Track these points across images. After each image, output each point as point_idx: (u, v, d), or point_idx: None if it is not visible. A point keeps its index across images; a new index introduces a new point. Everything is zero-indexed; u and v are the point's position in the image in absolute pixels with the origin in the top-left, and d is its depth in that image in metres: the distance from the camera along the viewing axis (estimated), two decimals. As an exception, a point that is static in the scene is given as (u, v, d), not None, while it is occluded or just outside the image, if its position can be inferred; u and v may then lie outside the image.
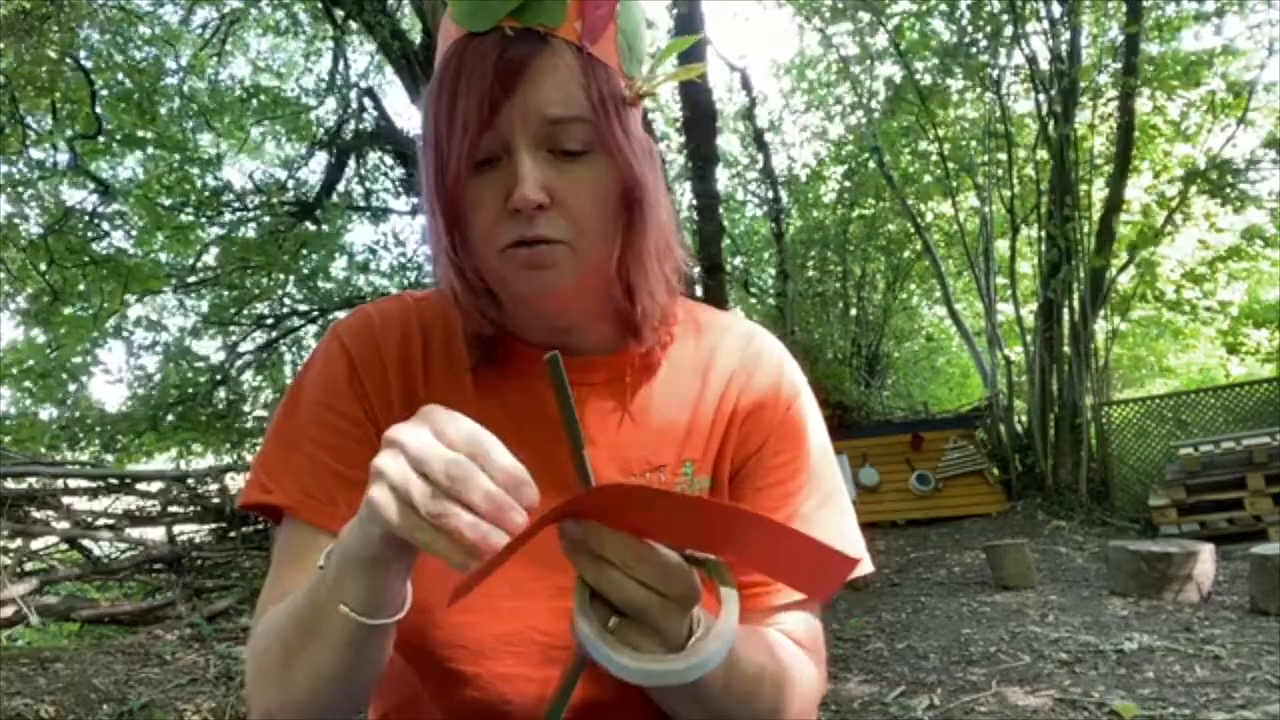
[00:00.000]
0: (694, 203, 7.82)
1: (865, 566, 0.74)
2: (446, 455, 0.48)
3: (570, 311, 0.70)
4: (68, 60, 8.31)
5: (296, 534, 0.69)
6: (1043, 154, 8.70)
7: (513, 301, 0.69)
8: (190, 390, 10.15)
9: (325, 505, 0.68)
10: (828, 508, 0.74)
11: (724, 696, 0.61)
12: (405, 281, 10.82)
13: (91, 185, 10.46)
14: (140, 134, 10.40)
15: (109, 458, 9.89)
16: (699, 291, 8.26)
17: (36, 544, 5.30)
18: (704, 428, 0.73)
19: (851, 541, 0.75)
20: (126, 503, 5.71)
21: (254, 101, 11.27)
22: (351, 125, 10.75)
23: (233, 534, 5.98)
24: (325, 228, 10.85)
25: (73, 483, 5.62)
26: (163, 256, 11.72)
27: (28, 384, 10.47)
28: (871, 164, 11.10)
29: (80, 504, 5.55)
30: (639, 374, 0.74)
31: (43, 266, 9.77)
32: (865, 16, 9.91)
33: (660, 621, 0.52)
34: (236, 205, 11.00)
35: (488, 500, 0.47)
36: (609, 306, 0.71)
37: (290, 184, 11.47)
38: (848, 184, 12.54)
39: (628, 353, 0.72)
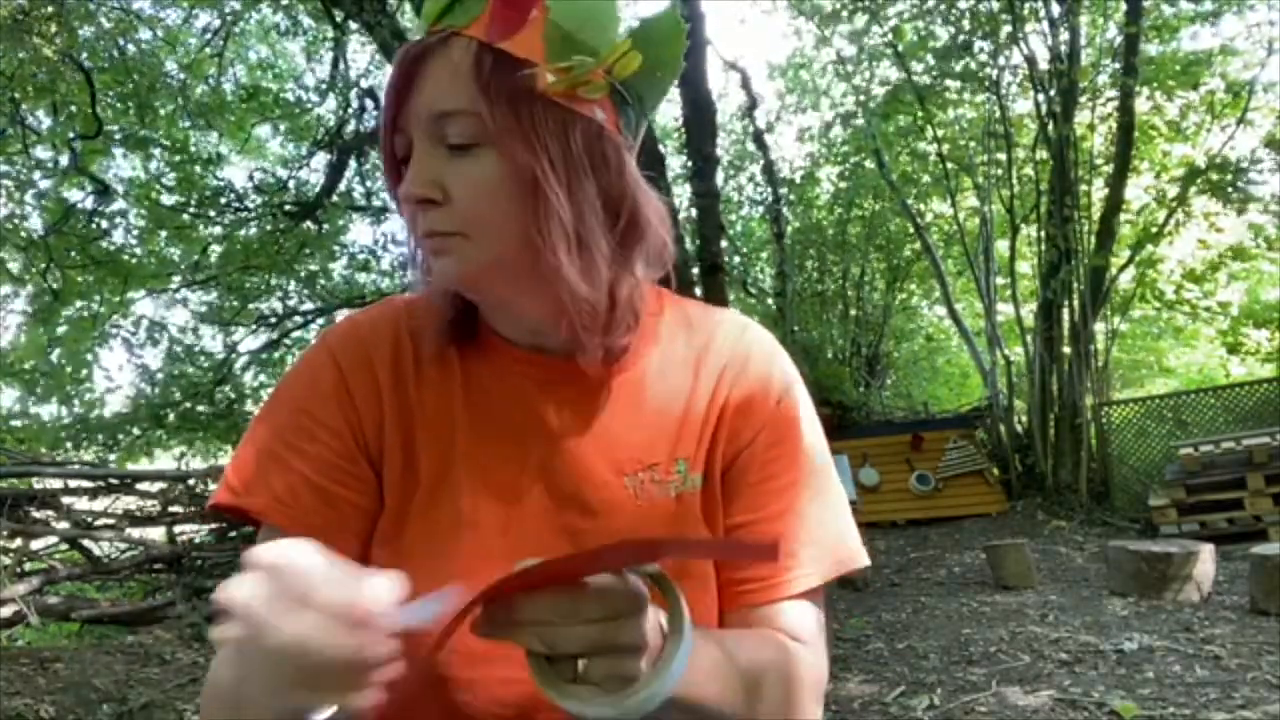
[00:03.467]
0: (693, 201, 7.82)
1: (861, 560, 0.74)
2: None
3: (520, 304, 0.69)
4: (68, 60, 8.31)
5: (269, 539, 0.68)
6: (1042, 154, 8.70)
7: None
8: (192, 389, 10.16)
9: (294, 511, 0.67)
10: (821, 502, 0.74)
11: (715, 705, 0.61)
12: (405, 281, 10.82)
13: (91, 185, 10.46)
14: (141, 134, 10.40)
15: (111, 458, 9.90)
16: (699, 291, 8.27)
17: (36, 544, 5.30)
18: (696, 423, 0.73)
19: (844, 535, 0.74)
20: (126, 503, 5.71)
21: (254, 102, 11.28)
22: (351, 125, 10.75)
23: (233, 534, 5.97)
24: (326, 228, 10.86)
25: (73, 483, 5.62)
26: (164, 256, 11.73)
27: (29, 384, 10.48)
28: (869, 164, 11.10)
29: (80, 504, 5.55)
30: (625, 372, 0.73)
31: (43, 266, 9.77)
32: (862, 19, 9.93)
33: (622, 639, 0.51)
34: (237, 205, 11.01)
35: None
36: (559, 303, 0.67)
37: (290, 184, 11.48)
38: (843, 184, 12.55)
39: (610, 352, 0.71)
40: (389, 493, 0.71)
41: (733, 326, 0.78)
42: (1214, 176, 7.94)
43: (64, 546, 5.49)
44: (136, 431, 10.03)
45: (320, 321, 10.82)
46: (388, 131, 0.67)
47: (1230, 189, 7.96)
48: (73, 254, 10.04)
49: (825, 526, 0.73)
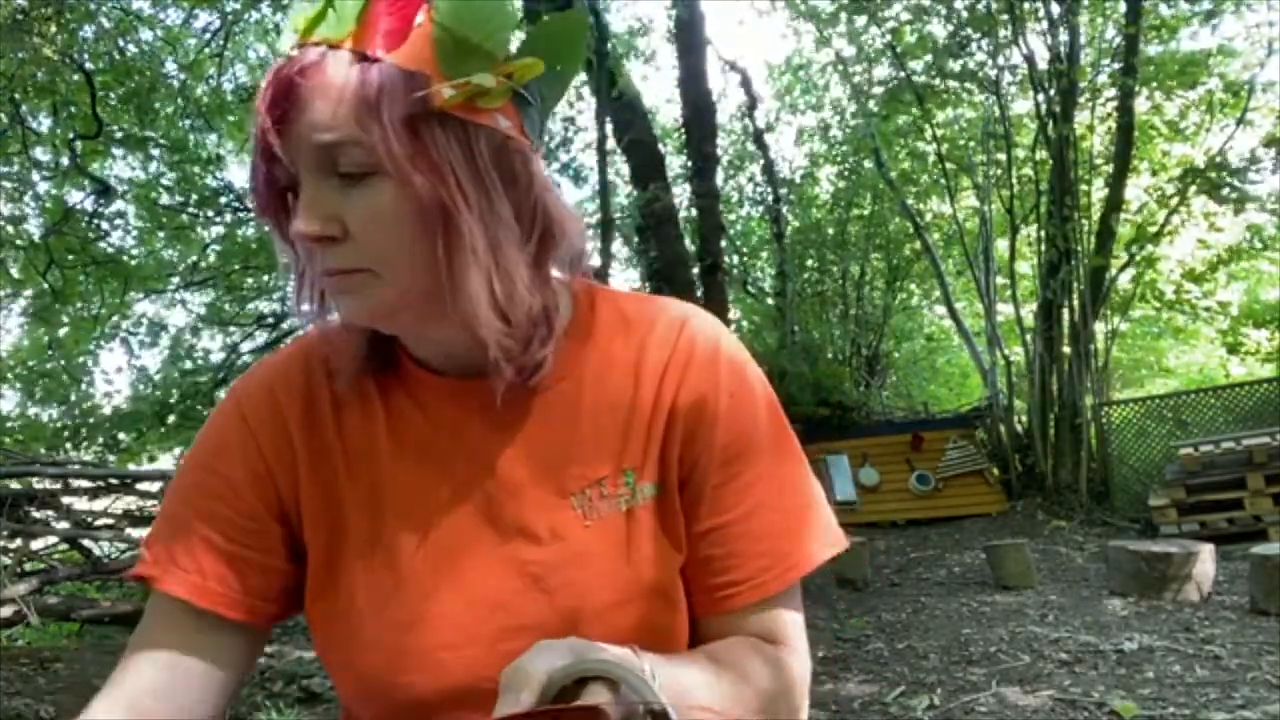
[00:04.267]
0: (693, 201, 7.82)
1: (839, 544, 0.71)
2: None
3: (434, 333, 0.65)
4: (68, 60, 8.31)
5: (153, 605, 0.67)
6: (1042, 154, 8.70)
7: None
8: (192, 389, 10.16)
9: (181, 571, 0.66)
10: (790, 493, 0.70)
11: None
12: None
13: (91, 185, 10.46)
14: (141, 135, 10.40)
15: (111, 458, 9.90)
16: (698, 292, 8.27)
17: (36, 544, 5.29)
18: (641, 430, 0.68)
19: (820, 524, 0.71)
20: (126, 503, 5.70)
21: (254, 102, 11.25)
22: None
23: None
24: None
25: (73, 483, 5.62)
26: (164, 255, 11.74)
27: (28, 384, 10.48)
28: (868, 164, 11.10)
29: (80, 504, 5.55)
30: (571, 388, 0.68)
31: (44, 267, 9.77)
32: (861, 20, 9.93)
33: None
34: (237, 205, 11.01)
35: None
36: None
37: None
38: (842, 184, 12.55)
39: (525, 370, 0.66)
40: (313, 546, 0.68)
41: (672, 320, 0.71)
42: (1212, 176, 7.94)
43: (64, 546, 5.48)
44: (137, 432, 10.03)
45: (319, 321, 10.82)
46: (263, 158, 0.59)
47: (1227, 189, 7.96)
48: (71, 256, 10.03)
49: (802, 517, 0.70)
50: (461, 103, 0.58)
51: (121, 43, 9.30)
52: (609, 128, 8.31)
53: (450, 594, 0.65)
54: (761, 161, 12.88)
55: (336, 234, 0.58)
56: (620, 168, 10.24)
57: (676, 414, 0.68)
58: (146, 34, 9.86)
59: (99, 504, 5.59)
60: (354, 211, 0.58)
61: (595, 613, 0.64)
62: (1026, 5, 8.24)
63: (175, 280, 11.05)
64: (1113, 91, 8.42)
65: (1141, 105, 8.82)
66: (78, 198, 10.51)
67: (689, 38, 8.85)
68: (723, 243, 9.63)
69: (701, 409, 0.68)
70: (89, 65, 8.83)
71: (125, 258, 10.81)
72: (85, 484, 5.66)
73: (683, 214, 9.20)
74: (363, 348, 0.68)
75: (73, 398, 10.52)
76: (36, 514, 5.25)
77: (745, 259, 14.50)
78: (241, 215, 10.92)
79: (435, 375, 0.69)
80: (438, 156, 0.58)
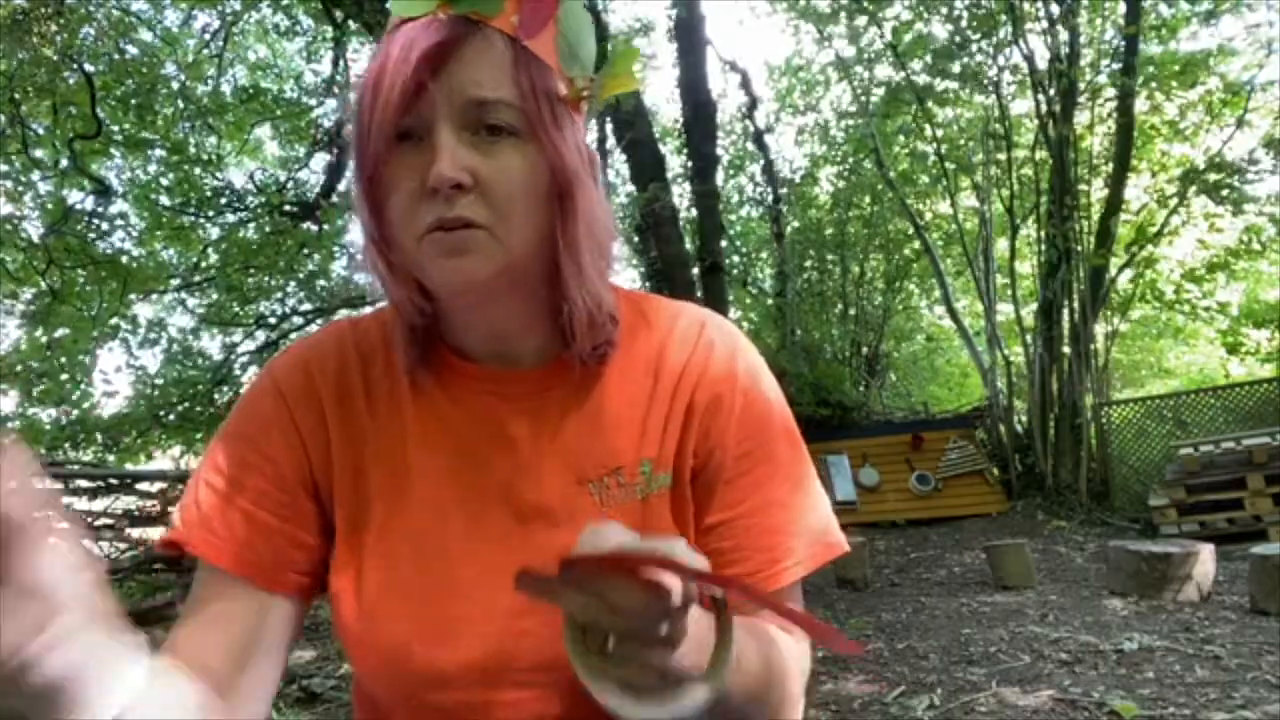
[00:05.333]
0: (693, 201, 7.82)
1: (843, 547, 0.74)
2: None
3: (499, 312, 0.68)
4: (68, 60, 8.31)
5: (201, 576, 0.68)
6: (1042, 154, 8.70)
7: (436, 293, 0.66)
8: (191, 390, 10.15)
9: (219, 540, 0.66)
10: (802, 491, 0.73)
11: (727, 703, 0.60)
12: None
13: (90, 186, 10.46)
14: (141, 135, 10.40)
15: (110, 458, 9.88)
16: (698, 292, 8.26)
17: (36, 544, 5.29)
18: (659, 424, 0.71)
19: (826, 523, 0.74)
20: (126, 503, 5.70)
21: (254, 103, 11.27)
22: (351, 125, 10.72)
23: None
24: (325, 228, 10.86)
25: (73, 483, 5.62)
26: (164, 256, 11.73)
27: (29, 384, 10.46)
28: (868, 164, 11.10)
29: (80, 504, 5.55)
30: (586, 377, 0.71)
31: (43, 267, 9.77)
32: (861, 20, 9.93)
33: (658, 632, 0.49)
34: (237, 205, 11.00)
35: None
36: (541, 309, 0.69)
37: (290, 184, 11.47)
38: (842, 184, 12.55)
39: (569, 359, 0.70)
40: (340, 522, 0.70)
41: (691, 322, 0.75)
42: (1211, 177, 7.95)
43: (64, 547, 5.47)
44: (136, 433, 10.02)
45: (319, 321, 10.81)
46: (397, 109, 0.61)
47: (1225, 190, 7.96)
48: (68, 257, 10.02)
49: (808, 516, 0.72)
50: (572, 99, 0.66)
51: (121, 43, 9.30)
52: (609, 127, 8.31)
53: (471, 571, 0.67)
54: (761, 161, 12.88)
55: (468, 183, 0.61)
56: (620, 168, 10.25)
57: (694, 410, 0.71)
58: (146, 35, 9.86)
59: (99, 504, 5.59)
60: (490, 166, 0.61)
61: None
62: (1026, 5, 8.25)
63: (175, 281, 11.03)
64: (1112, 91, 8.42)
65: (1141, 105, 8.83)
66: (77, 198, 10.52)
67: (689, 38, 8.85)
68: (723, 243, 9.63)
69: (718, 406, 0.71)
70: (89, 66, 8.83)
71: (124, 258, 10.81)
72: (85, 484, 5.66)
73: (683, 214, 9.20)
74: (405, 335, 0.70)
75: (74, 396, 10.51)
76: (36, 514, 5.24)
77: (745, 259, 14.51)
78: (242, 216, 10.92)
79: (467, 362, 0.71)
80: (564, 136, 0.64)
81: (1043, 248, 8.57)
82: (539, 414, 0.70)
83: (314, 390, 0.71)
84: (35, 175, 10.02)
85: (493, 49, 0.61)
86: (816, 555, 0.71)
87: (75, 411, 10.29)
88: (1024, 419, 8.95)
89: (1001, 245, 9.64)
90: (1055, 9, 8.17)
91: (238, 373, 10.95)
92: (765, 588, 0.69)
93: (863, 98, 10.89)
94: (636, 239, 8.58)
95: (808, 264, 13.12)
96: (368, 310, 0.79)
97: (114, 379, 12.28)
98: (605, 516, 0.68)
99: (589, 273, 0.66)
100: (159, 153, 11.04)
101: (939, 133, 10.04)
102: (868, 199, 12.50)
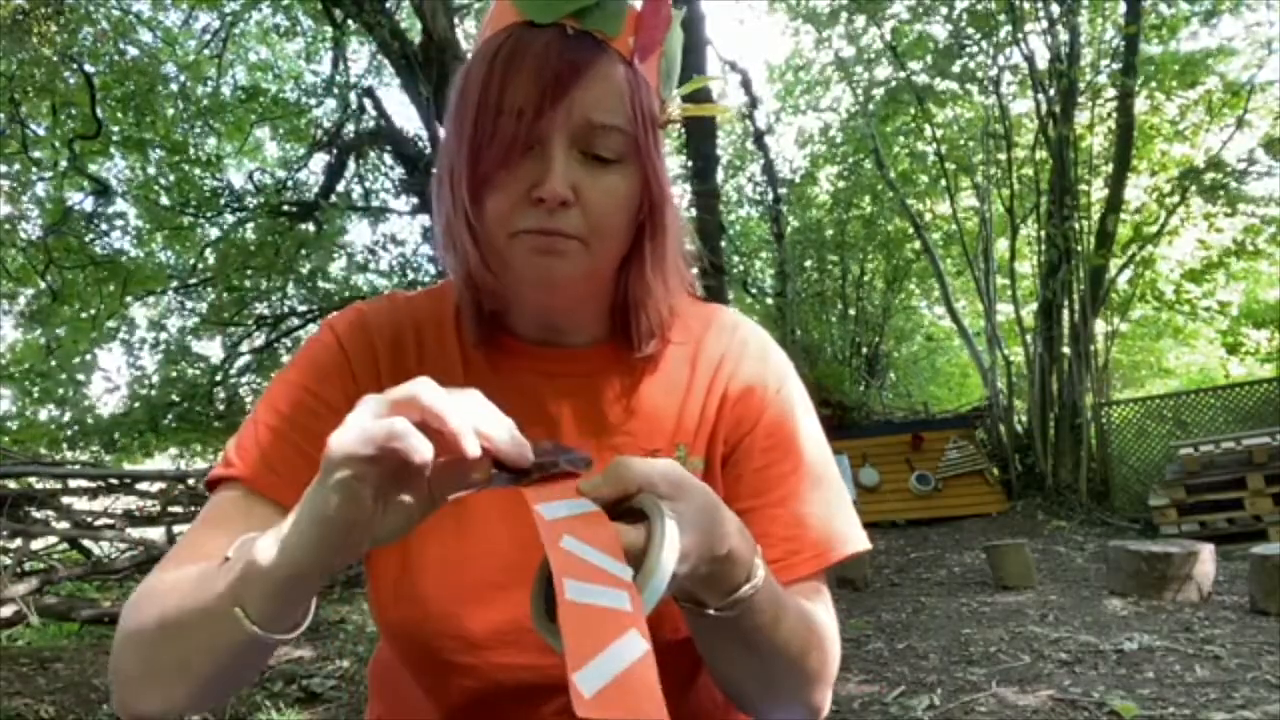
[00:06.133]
0: (692, 201, 7.81)
1: (864, 544, 0.76)
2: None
3: (572, 309, 0.73)
4: (68, 60, 8.31)
5: (233, 498, 0.67)
6: (1042, 154, 8.70)
7: (516, 285, 0.69)
8: (190, 390, 10.15)
9: (276, 477, 0.66)
10: (824, 487, 0.76)
11: (773, 638, 0.63)
12: (404, 281, 10.83)
13: (90, 186, 10.46)
14: (140, 135, 10.40)
15: (108, 458, 9.88)
16: (699, 292, 8.23)
17: (36, 544, 5.29)
18: (694, 413, 0.75)
19: (846, 520, 0.76)
20: (126, 503, 5.70)
21: (254, 103, 11.27)
22: (351, 125, 10.74)
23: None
24: (325, 228, 10.86)
25: (73, 483, 5.62)
26: (162, 257, 11.73)
27: (28, 384, 10.47)
28: (868, 164, 11.10)
29: (80, 504, 5.54)
30: (628, 365, 0.75)
31: (42, 267, 9.77)
32: (861, 19, 9.93)
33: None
34: (236, 206, 11.00)
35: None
36: (604, 306, 0.74)
37: (290, 184, 11.47)
38: (842, 184, 12.54)
39: (616, 347, 0.75)
40: None
41: (725, 322, 0.80)
42: (1210, 177, 7.94)
43: (64, 546, 5.48)
44: (135, 434, 10.02)
45: (319, 322, 10.79)
46: (531, 118, 0.63)
47: (1224, 190, 7.96)
48: (68, 258, 10.02)
49: (830, 511, 0.75)
50: (664, 122, 0.70)
51: (121, 44, 9.30)
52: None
53: (505, 537, 0.69)
54: (761, 162, 12.88)
55: (573, 201, 0.64)
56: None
57: (728, 400, 0.76)
58: (146, 35, 9.86)
59: (98, 504, 5.59)
60: (593, 187, 0.65)
61: None
62: (1026, 5, 8.24)
63: (174, 282, 11.02)
64: (1112, 91, 8.42)
65: (1141, 105, 8.83)
66: (77, 198, 10.52)
67: (689, 38, 8.85)
68: (723, 243, 9.63)
69: (750, 398, 0.76)
70: (89, 66, 8.83)
71: (124, 259, 10.81)
72: (85, 484, 5.66)
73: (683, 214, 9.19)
74: (473, 313, 0.73)
75: (72, 395, 10.51)
76: (36, 514, 5.25)
77: (745, 259, 14.51)
78: (241, 216, 10.91)
79: (518, 341, 0.75)
80: (659, 158, 0.69)
81: (1043, 248, 8.56)
82: (580, 395, 0.74)
83: (371, 347, 0.74)
84: (34, 174, 10.02)
85: (615, 73, 0.65)
86: (838, 549, 0.74)
87: (69, 413, 10.30)
88: (1024, 419, 8.95)
89: (1001, 245, 9.64)
90: (1055, 9, 8.17)
91: (236, 373, 10.95)
92: (784, 578, 0.70)
93: (862, 97, 10.88)
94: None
95: (808, 264, 13.12)
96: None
97: (113, 378, 12.28)
98: None
99: (672, 283, 0.73)
100: (159, 153, 11.04)
101: (939, 133, 10.04)
102: (868, 199, 12.49)
